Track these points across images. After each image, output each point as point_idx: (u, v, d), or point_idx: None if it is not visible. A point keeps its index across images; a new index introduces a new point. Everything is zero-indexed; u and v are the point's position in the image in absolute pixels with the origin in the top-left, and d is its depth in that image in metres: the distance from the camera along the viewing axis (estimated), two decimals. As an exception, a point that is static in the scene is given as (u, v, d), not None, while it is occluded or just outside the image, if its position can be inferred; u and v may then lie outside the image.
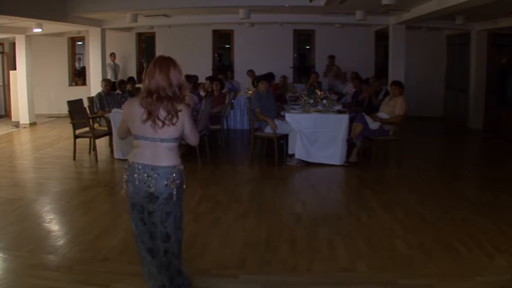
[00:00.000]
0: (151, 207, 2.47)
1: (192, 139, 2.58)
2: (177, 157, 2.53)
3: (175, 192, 2.47)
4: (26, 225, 4.01)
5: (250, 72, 10.02)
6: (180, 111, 2.43)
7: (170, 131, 2.42)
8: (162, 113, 2.38)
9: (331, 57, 10.43)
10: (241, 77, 10.45)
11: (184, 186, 2.59)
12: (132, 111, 2.45)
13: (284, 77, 10.04)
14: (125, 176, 2.52)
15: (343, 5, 7.19)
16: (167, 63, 2.41)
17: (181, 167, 2.54)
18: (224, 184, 5.47)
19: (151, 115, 2.37)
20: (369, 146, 6.50)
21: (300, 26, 11.12)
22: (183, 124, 2.47)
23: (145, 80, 2.43)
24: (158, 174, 2.43)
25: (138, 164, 2.45)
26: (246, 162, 6.64)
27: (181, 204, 2.60)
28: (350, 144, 6.20)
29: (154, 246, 2.54)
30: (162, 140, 2.42)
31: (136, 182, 2.45)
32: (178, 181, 2.49)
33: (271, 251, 3.49)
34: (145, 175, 2.43)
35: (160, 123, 2.38)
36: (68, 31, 10.38)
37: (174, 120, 2.41)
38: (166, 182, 2.44)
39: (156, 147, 2.43)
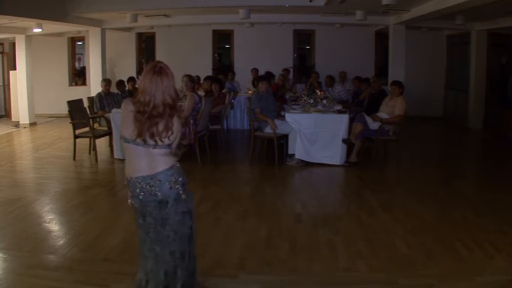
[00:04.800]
0: (164, 214, 2.42)
1: (174, 148, 2.48)
2: (171, 158, 2.46)
3: (181, 191, 2.44)
4: (26, 225, 4.01)
5: (254, 71, 10.03)
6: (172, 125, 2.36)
7: (163, 141, 2.37)
8: (155, 133, 2.32)
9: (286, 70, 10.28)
10: (241, 76, 10.45)
11: (187, 181, 2.53)
12: (126, 116, 2.37)
13: (283, 74, 9.98)
14: (129, 193, 2.48)
15: (343, 5, 7.19)
16: (161, 76, 2.31)
17: (178, 164, 2.49)
18: (224, 184, 5.46)
19: (140, 135, 2.32)
20: (369, 146, 6.50)
21: (300, 26, 11.12)
22: (176, 137, 2.41)
23: (140, 95, 2.33)
24: (159, 180, 2.38)
25: (137, 178, 2.40)
26: (246, 162, 6.63)
27: (192, 200, 2.56)
28: (347, 145, 6.18)
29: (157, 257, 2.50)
30: (153, 147, 2.35)
31: (140, 197, 2.41)
32: (180, 179, 2.45)
33: (271, 251, 3.49)
34: (147, 186, 2.38)
35: (152, 142, 2.33)
36: (68, 31, 10.38)
37: (168, 134, 2.35)
38: (169, 185, 2.40)
39: (149, 155, 2.37)
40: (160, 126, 2.32)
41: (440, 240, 3.63)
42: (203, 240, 3.65)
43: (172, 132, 2.36)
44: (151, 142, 2.34)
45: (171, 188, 2.40)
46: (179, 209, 2.44)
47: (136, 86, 8.21)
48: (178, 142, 2.50)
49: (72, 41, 11.89)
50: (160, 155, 2.39)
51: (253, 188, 5.41)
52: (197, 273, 2.66)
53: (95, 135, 6.64)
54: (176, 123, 2.38)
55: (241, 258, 3.35)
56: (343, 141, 6.09)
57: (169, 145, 2.41)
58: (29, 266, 3.21)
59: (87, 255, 3.39)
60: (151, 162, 2.38)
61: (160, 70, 2.34)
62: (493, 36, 9.61)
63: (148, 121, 2.31)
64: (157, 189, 2.38)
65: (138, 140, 2.34)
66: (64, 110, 6.85)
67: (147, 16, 9.08)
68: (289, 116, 6.23)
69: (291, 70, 10.98)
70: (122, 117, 2.45)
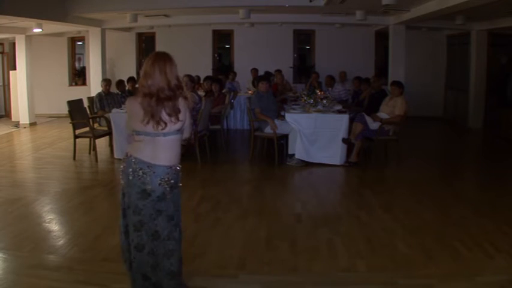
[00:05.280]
0: (141, 204, 2.44)
1: (187, 133, 2.56)
2: (177, 155, 2.50)
3: (168, 190, 2.46)
4: (26, 225, 4.01)
5: (254, 71, 10.03)
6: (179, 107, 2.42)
7: (172, 126, 2.41)
8: (164, 114, 2.37)
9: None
10: (241, 76, 10.46)
11: (180, 184, 2.57)
12: (132, 110, 2.44)
13: (280, 73, 9.81)
14: (121, 167, 2.51)
15: (343, 5, 7.19)
16: (164, 60, 2.38)
17: (179, 167, 2.52)
18: (224, 184, 5.46)
19: (153, 117, 2.35)
20: (369, 146, 6.50)
21: (300, 26, 11.12)
22: (185, 117, 2.46)
23: (142, 79, 2.38)
24: (154, 172, 2.41)
25: (136, 158, 2.43)
26: (246, 162, 6.64)
27: (177, 204, 2.58)
28: (347, 144, 6.17)
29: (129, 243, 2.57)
30: (164, 135, 2.40)
31: (130, 177, 2.43)
32: (172, 181, 2.47)
33: (271, 251, 3.49)
34: (140, 172, 2.41)
35: (163, 124, 2.37)
36: (68, 31, 10.38)
37: (176, 117, 2.40)
38: (160, 181, 2.42)
39: (157, 143, 2.41)
40: (169, 109, 2.36)
41: (440, 240, 3.63)
42: (203, 240, 3.67)
43: (180, 111, 2.40)
44: (163, 125, 2.36)
45: (160, 184, 2.43)
46: (156, 206, 2.46)
47: (137, 85, 8.19)
48: (189, 126, 2.54)
49: (72, 41, 11.89)
50: (170, 144, 2.42)
51: (253, 188, 5.40)
52: (179, 276, 2.64)
53: (95, 135, 6.64)
54: (182, 103, 2.42)
55: (241, 258, 3.34)
56: (343, 140, 6.09)
57: (179, 130, 2.44)
58: (29, 266, 3.21)
59: (87, 255, 3.39)
60: (156, 152, 2.42)
61: (162, 55, 2.40)
62: (493, 36, 9.60)
63: (157, 105, 2.34)
64: (148, 179, 2.41)
65: (150, 126, 2.36)
66: (64, 110, 6.85)
67: (147, 16, 9.08)
68: (289, 116, 6.23)
69: (290, 70, 10.97)
70: (128, 111, 2.49)
